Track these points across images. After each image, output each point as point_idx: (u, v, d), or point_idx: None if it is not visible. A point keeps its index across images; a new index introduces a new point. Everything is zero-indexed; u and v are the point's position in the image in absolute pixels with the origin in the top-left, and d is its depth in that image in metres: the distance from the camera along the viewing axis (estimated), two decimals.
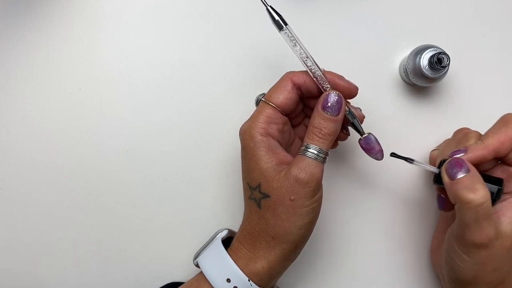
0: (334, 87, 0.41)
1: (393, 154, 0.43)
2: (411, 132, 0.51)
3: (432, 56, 0.45)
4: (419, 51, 0.46)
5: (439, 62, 0.45)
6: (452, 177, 0.39)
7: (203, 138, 0.50)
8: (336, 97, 0.39)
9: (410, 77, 0.48)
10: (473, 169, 0.39)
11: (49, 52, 0.50)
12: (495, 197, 0.40)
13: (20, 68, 0.50)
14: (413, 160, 0.42)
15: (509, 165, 0.41)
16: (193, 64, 0.50)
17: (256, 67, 0.50)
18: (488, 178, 0.40)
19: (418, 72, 0.46)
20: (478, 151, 0.40)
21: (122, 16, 0.50)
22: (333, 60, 0.50)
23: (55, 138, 0.50)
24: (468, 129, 0.46)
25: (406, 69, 0.48)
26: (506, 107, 0.51)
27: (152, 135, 0.50)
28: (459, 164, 0.39)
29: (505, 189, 0.41)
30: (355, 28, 0.51)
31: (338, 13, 0.51)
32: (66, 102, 0.50)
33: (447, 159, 0.41)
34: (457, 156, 0.40)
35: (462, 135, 0.44)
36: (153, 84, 0.50)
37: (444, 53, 0.45)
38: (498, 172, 0.42)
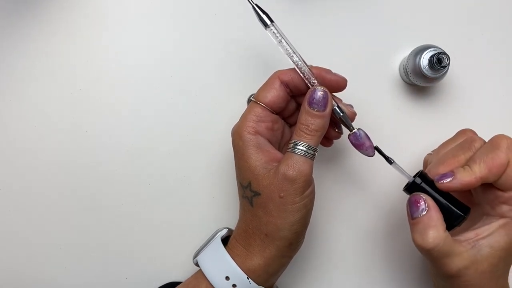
0: (322, 81, 0.41)
1: (376, 148, 0.42)
2: (410, 132, 0.51)
3: (432, 56, 0.45)
4: (419, 51, 0.46)
5: (439, 62, 0.45)
6: (411, 216, 0.40)
7: (203, 138, 0.50)
8: (322, 93, 0.39)
9: (410, 77, 0.48)
10: (431, 209, 0.39)
11: (49, 52, 0.50)
12: (458, 223, 0.39)
13: (20, 68, 0.50)
14: (392, 161, 0.42)
15: (498, 188, 0.39)
16: (193, 64, 0.50)
17: (256, 67, 0.50)
18: (456, 203, 0.40)
19: (418, 72, 0.46)
20: (465, 179, 0.38)
21: (122, 16, 0.50)
22: (333, 60, 0.50)
23: (55, 138, 0.50)
24: (473, 133, 0.44)
25: (406, 69, 0.48)
26: (506, 107, 0.51)
27: (152, 135, 0.50)
28: (417, 203, 0.39)
29: (491, 212, 0.40)
30: (355, 28, 0.51)
31: (338, 13, 0.51)
32: (66, 102, 0.50)
33: (423, 172, 0.41)
34: (443, 181, 0.39)
35: (467, 141, 0.42)
36: (153, 84, 0.50)
37: (444, 53, 0.45)
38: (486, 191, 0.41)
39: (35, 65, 0.50)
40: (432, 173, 0.41)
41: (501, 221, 0.39)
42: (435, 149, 0.46)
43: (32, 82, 0.50)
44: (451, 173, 0.39)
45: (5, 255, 0.50)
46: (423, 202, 0.39)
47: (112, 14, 0.50)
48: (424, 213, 0.39)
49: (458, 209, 0.40)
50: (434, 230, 0.38)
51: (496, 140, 0.39)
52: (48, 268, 0.50)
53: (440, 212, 0.39)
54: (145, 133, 0.50)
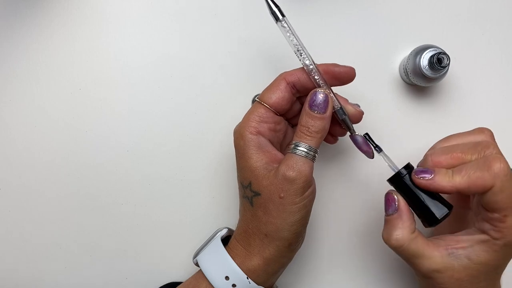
0: (331, 75, 0.41)
1: (366, 135, 0.42)
2: (411, 132, 0.51)
3: (432, 56, 0.45)
4: (419, 51, 0.46)
5: (439, 62, 0.45)
6: (385, 211, 0.41)
7: (203, 138, 0.50)
8: (322, 95, 0.40)
9: (410, 77, 0.48)
10: (401, 210, 0.39)
11: (49, 52, 0.50)
12: (440, 219, 0.39)
13: (20, 68, 0.50)
14: (381, 150, 0.42)
15: (482, 205, 0.39)
16: (193, 64, 0.50)
17: (256, 67, 0.50)
18: (440, 199, 0.40)
19: (418, 72, 0.46)
20: (441, 183, 0.38)
21: (122, 16, 0.50)
22: (333, 60, 0.50)
23: (55, 138, 0.50)
24: (491, 136, 0.42)
25: (406, 69, 0.48)
26: (506, 107, 0.51)
27: (152, 135, 0.50)
28: (390, 201, 0.40)
29: (476, 225, 0.40)
30: (355, 28, 0.51)
31: (338, 13, 0.51)
32: (66, 102, 0.50)
33: (410, 164, 0.41)
34: (422, 176, 0.39)
35: (481, 145, 0.39)
36: (153, 84, 0.50)
37: (444, 53, 0.45)
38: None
39: (35, 65, 0.50)
40: (433, 159, 0.40)
41: (482, 237, 0.39)
42: (445, 137, 0.44)
43: (32, 82, 0.50)
44: (431, 172, 0.39)
45: (5, 255, 0.50)
46: (394, 203, 0.40)
47: (112, 14, 0.50)
48: (393, 213, 0.40)
49: (442, 204, 0.40)
50: (399, 231, 0.39)
51: (491, 161, 0.37)
52: (48, 268, 0.50)
53: (411, 214, 0.40)
54: (145, 133, 0.50)
